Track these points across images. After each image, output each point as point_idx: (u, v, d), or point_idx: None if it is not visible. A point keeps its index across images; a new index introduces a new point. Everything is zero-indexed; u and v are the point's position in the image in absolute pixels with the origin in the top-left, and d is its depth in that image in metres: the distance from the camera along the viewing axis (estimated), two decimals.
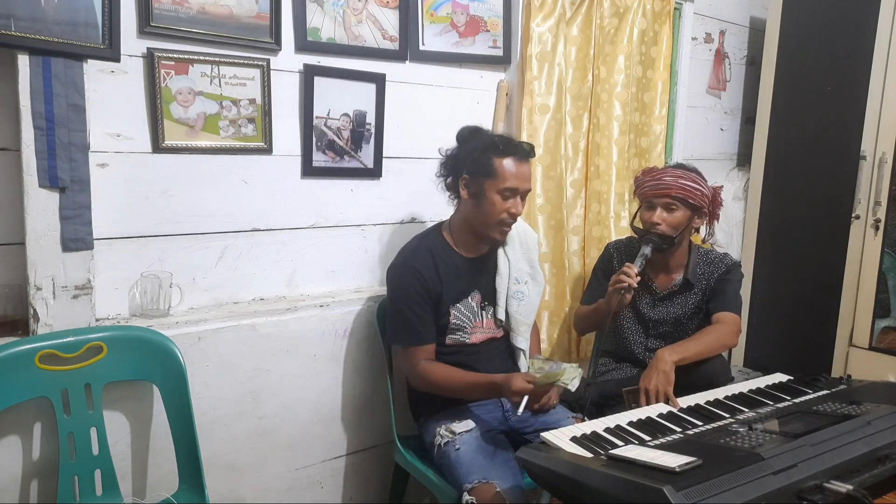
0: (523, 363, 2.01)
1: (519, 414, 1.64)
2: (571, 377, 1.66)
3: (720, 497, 1.07)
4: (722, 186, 2.19)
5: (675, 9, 2.80)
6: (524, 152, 1.82)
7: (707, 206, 2.06)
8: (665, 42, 2.70)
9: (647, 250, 1.99)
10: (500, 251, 1.97)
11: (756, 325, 3.17)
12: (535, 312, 2.03)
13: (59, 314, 1.62)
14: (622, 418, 1.55)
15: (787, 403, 1.62)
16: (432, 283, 1.83)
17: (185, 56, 1.76)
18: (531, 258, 2.03)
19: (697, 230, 2.14)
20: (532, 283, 2.01)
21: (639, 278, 1.93)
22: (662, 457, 1.21)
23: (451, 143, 1.91)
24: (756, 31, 3.35)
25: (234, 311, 1.90)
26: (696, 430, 1.46)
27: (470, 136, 1.88)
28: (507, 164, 1.78)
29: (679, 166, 2.12)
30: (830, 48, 2.88)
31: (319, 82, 1.99)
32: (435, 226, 1.99)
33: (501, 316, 1.95)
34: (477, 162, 1.79)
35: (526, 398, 1.65)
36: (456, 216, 1.93)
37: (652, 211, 2.04)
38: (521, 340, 1.99)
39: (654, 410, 1.62)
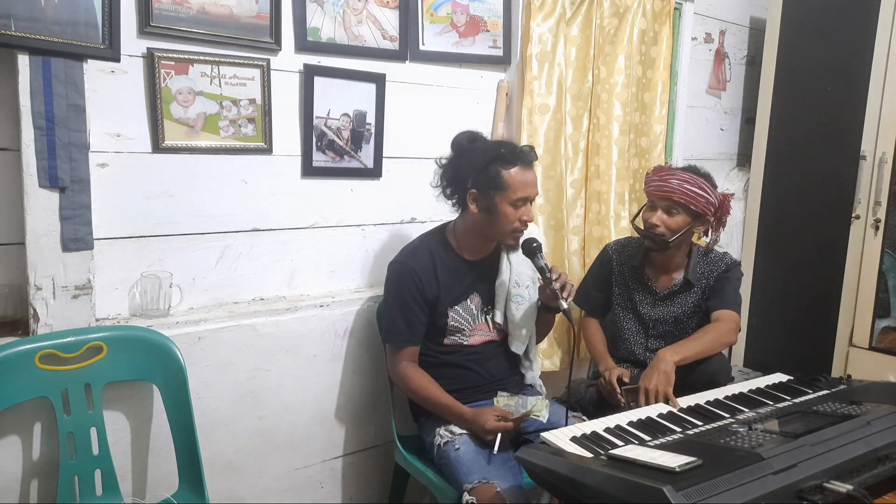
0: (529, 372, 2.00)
1: (495, 452, 1.66)
2: (541, 409, 1.73)
3: (720, 497, 1.07)
4: (733, 194, 2.14)
5: (675, 9, 2.80)
6: (528, 159, 1.79)
7: (711, 214, 2.03)
8: (665, 42, 2.70)
9: (541, 262, 1.81)
10: (503, 255, 1.95)
11: (756, 325, 3.17)
12: (534, 317, 1.98)
13: (59, 314, 1.62)
14: (622, 418, 1.55)
15: (787, 403, 1.62)
16: (428, 284, 1.83)
17: (185, 56, 1.76)
18: None
19: (705, 234, 2.10)
20: (533, 287, 1.96)
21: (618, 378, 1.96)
22: (662, 457, 1.21)
23: (450, 144, 1.89)
24: (756, 30, 3.35)
25: (234, 311, 1.90)
26: (696, 430, 1.46)
27: (468, 145, 1.83)
28: (516, 173, 1.75)
29: (690, 169, 2.07)
30: (830, 48, 2.87)
31: (319, 82, 1.99)
32: (440, 226, 1.98)
33: (499, 319, 1.93)
34: (484, 176, 1.75)
35: (500, 436, 1.68)
36: (461, 222, 1.90)
37: (653, 211, 2.04)
38: (518, 346, 1.95)
39: (654, 410, 1.62)
